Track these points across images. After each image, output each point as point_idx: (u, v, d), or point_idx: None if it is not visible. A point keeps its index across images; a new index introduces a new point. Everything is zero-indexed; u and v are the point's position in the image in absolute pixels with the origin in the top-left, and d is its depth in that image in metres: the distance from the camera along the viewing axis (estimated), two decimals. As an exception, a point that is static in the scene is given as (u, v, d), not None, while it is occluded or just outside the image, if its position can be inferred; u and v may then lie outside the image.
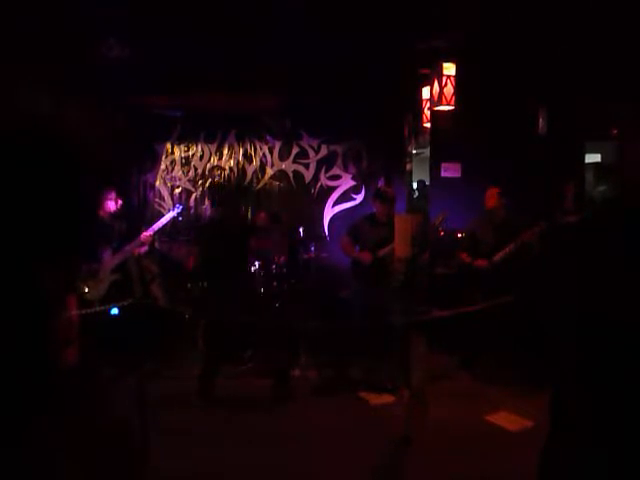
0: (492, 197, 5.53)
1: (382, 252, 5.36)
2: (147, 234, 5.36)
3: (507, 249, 5.33)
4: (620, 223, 1.31)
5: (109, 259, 5.25)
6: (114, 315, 4.92)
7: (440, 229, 6.06)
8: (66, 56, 4.99)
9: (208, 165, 7.18)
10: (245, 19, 5.17)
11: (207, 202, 7.09)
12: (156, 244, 5.72)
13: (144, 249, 5.42)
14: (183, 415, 4.50)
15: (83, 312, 4.39)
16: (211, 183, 7.05)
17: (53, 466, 0.69)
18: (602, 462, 1.26)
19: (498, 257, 5.38)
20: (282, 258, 6.08)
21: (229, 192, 5.38)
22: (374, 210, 5.61)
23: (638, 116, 1.41)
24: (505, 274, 5.27)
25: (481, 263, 5.47)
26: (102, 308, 4.78)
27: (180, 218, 5.81)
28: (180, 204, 6.27)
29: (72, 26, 4.82)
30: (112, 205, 5.35)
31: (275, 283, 5.96)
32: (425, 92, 6.51)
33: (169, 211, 5.87)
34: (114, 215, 5.39)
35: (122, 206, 5.49)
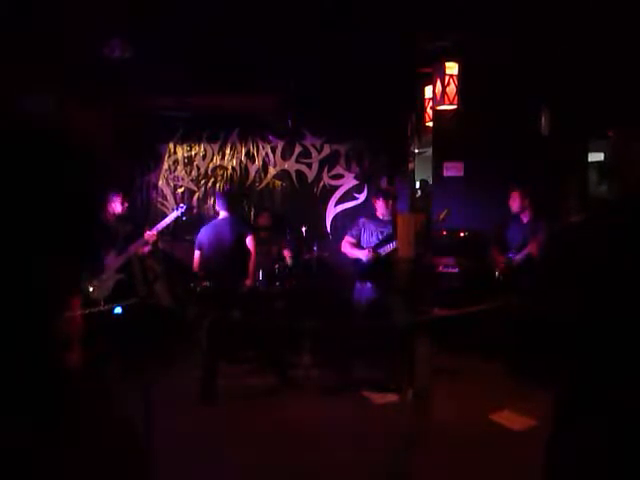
0: (515, 200, 5.60)
1: (385, 250, 5.36)
2: (151, 233, 5.36)
3: (526, 251, 5.38)
4: (621, 223, 1.31)
5: (114, 259, 5.26)
6: (118, 315, 4.93)
7: (443, 226, 6.08)
8: (69, 57, 5.00)
9: (211, 165, 7.19)
10: (247, 19, 5.18)
11: (210, 201, 7.11)
12: (159, 244, 5.72)
13: (147, 248, 5.42)
14: (184, 414, 4.51)
15: (87, 312, 4.41)
16: (215, 183, 7.07)
17: (55, 468, 0.69)
18: (602, 457, 1.26)
19: (519, 258, 5.44)
20: (285, 257, 6.09)
21: (233, 194, 5.38)
22: (375, 209, 5.63)
23: (635, 116, 1.42)
24: (519, 275, 5.31)
25: (499, 259, 5.56)
26: (106, 308, 4.80)
27: (184, 218, 5.80)
28: (183, 204, 6.27)
29: (74, 27, 4.83)
30: (118, 207, 5.36)
31: (278, 282, 5.97)
32: (428, 91, 6.51)
33: (173, 211, 5.87)
34: (119, 216, 5.40)
35: (127, 208, 5.50)
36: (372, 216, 5.64)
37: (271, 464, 3.75)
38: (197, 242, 5.21)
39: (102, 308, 4.82)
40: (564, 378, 1.45)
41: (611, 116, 5.15)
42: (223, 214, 5.18)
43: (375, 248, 5.41)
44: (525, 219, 5.61)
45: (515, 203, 5.63)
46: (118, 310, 4.88)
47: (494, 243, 5.75)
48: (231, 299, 4.98)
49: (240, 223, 5.35)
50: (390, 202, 5.55)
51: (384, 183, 6.86)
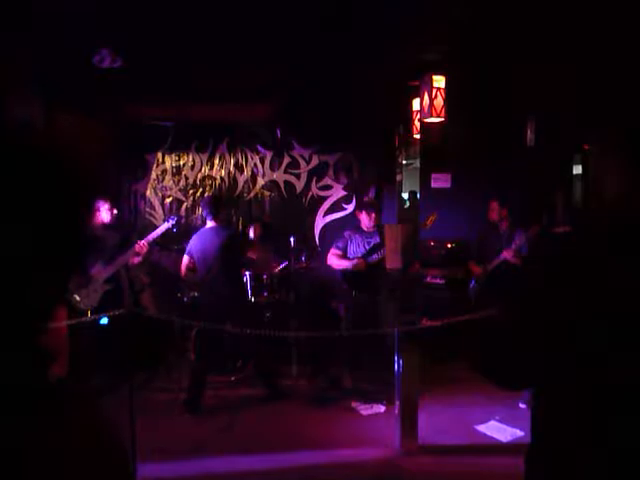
0: (494, 210, 5.64)
1: (374, 259, 5.37)
2: (142, 244, 5.30)
3: (501, 257, 5.42)
4: (604, 237, 1.33)
5: (102, 269, 5.21)
6: (104, 325, 4.89)
7: (430, 234, 6.12)
8: (58, 67, 4.99)
9: (199, 175, 7.18)
10: (237, 30, 5.20)
11: (198, 211, 7.09)
12: (150, 255, 5.66)
13: (138, 260, 5.35)
14: (172, 425, 4.48)
15: (74, 322, 4.37)
16: (203, 193, 7.07)
17: (37, 475, 0.69)
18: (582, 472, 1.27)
19: (492, 265, 5.48)
20: (274, 268, 6.08)
21: (223, 203, 5.35)
22: (360, 221, 5.66)
23: (607, 136, 1.44)
24: (495, 284, 5.35)
25: (476, 270, 5.60)
26: (92, 318, 4.76)
27: (174, 230, 5.71)
28: (175, 215, 6.21)
29: (64, 36, 4.82)
30: (106, 216, 5.29)
31: (266, 293, 5.95)
32: (415, 104, 6.56)
33: (164, 222, 5.80)
34: (107, 225, 5.34)
35: (115, 217, 5.44)
36: (357, 228, 5.67)
37: (258, 474, 3.73)
38: (187, 249, 5.19)
39: (89, 319, 4.78)
40: (540, 393, 1.45)
41: (595, 129, 5.20)
42: (210, 223, 5.15)
43: (364, 257, 5.42)
44: (503, 228, 5.64)
45: (494, 213, 5.67)
46: (104, 321, 4.84)
47: (473, 256, 5.80)
48: (219, 310, 4.95)
49: (228, 234, 5.20)
50: (373, 214, 5.58)
51: (372, 194, 6.89)
